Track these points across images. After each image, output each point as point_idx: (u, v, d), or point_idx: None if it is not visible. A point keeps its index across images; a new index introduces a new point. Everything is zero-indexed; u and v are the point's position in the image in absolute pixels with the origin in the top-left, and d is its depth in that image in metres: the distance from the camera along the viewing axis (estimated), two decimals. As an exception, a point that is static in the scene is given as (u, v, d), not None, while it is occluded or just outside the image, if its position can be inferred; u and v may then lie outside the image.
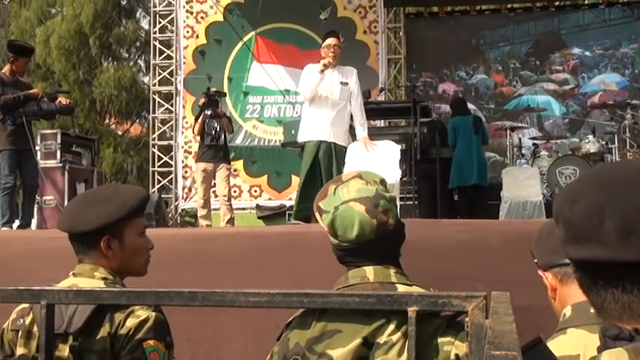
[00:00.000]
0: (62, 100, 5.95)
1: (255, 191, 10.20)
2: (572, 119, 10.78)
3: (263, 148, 10.22)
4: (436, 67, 11.49)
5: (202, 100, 7.17)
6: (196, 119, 7.20)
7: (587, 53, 11.16)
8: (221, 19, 10.46)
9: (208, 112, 7.01)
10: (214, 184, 7.10)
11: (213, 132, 6.97)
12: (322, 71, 5.47)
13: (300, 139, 5.76)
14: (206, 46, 10.43)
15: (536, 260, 1.57)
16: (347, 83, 5.58)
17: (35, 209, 6.98)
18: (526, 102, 10.78)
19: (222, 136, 7.03)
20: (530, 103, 10.57)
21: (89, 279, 1.71)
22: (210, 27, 10.46)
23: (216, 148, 7.00)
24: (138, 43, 18.45)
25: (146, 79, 17.97)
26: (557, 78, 11.14)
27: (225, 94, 7.64)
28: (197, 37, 10.45)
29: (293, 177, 9.72)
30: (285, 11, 10.28)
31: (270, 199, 10.00)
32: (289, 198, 9.56)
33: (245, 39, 10.37)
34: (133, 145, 17.56)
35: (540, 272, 1.56)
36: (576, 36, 11.25)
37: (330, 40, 5.64)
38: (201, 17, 10.50)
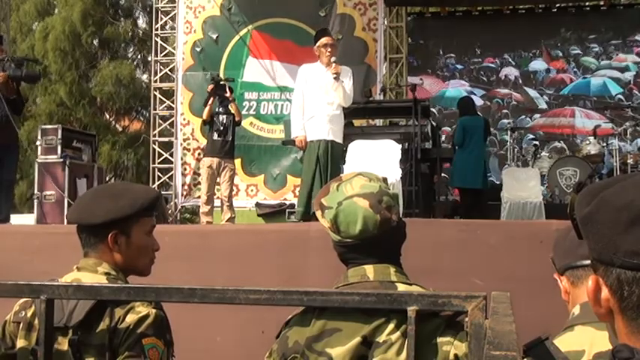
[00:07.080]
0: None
1: (252, 190, 10.13)
2: (635, 107, 10.45)
3: (260, 146, 10.13)
4: (497, 52, 11.29)
5: (210, 87, 7.18)
6: (204, 105, 7.18)
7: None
8: (218, 12, 10.31)
9: (220, 109, 7.01)
10: (218, 181, 7.09)
11: (222, 127, 6.98)
12: (336, 78, 5.49)
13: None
14: (202, 40, 10.27)
15: (556, 266, 1.64)
16: (343, 81, 5.58)
17: (35, 204, 6.98)
18: (576, 88, 10.62)
19: (230, 132, 7.04)
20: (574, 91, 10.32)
21: (92, 273, 1.72)
22: (206, 21, 10.30)
23: (223, 143, 7.01)
24: (136, 40, 18.39)
25: (144, 77, 17.96)
26: (618, 65, 10.85)
27: (232, 80, 7.65)
28: (194, 31, 10.33)
29: (289, 177, 9.69)
30: (283, 6, 10.08)
31: (265, 199, 9.94)
32: (284, 198, 9.51)
33: (241, 33, 10.18)
34: (130, 142, 17.48)
35: (556, 276, 1.63)
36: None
37: (325, 39, 5.62)
38: (199, 12, 10.34)
